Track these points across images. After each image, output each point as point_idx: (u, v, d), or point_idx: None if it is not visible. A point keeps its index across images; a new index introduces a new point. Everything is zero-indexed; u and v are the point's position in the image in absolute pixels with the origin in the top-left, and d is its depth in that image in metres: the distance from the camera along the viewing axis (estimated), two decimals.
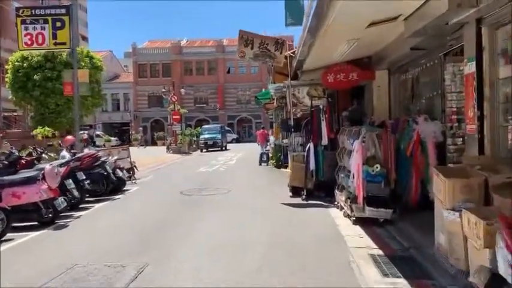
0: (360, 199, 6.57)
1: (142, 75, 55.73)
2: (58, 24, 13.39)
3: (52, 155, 10.84)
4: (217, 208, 8.29)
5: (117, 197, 10.07)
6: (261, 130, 25.11)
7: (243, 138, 52.59)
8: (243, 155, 25.70)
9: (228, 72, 55.43)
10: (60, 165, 7.96)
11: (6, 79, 25.36)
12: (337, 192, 7.98)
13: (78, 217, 7.74)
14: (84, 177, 8.63)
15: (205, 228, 6.58)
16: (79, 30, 75.26)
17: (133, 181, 12.58)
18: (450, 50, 6.53)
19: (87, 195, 9.48)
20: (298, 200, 8.65)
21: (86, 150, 12.29)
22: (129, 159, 12.84)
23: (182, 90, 32.32)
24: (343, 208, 7.38)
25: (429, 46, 6.58)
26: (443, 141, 6.52)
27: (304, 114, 10.29)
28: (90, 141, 29.27)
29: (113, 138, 49.68)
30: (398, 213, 6.61)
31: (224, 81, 54.56)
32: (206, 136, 32.86)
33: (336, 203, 7.99)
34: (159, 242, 5.85)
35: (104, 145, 47.20)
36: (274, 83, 10.55)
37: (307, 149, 8.75)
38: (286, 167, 15.51)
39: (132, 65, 58.18)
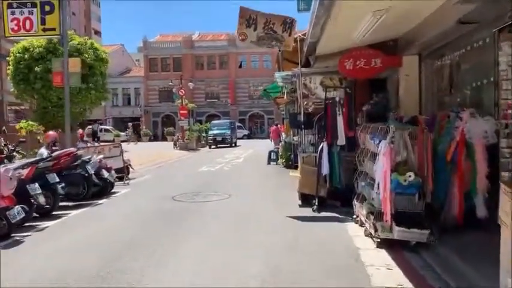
0: (387, 216, 5.12)
1: (153, 69, 54.75)
2: (47, 8, 12.11)
3: (24, 152, 9.59)
4: (208, 222, 6.78)
5: (100, 201, 8.78)
6: (274, 126, 24.15)
7: (255, 135, 51.22)
8: (252, 152, 24.32)
9: (240, 66, 54.07)
10: (23, 166, 6.71)
11: (8, 71, 24.49)
12: (356, 203, 6.53)
13: (42, 229, 6.46)
14: (57, 180, 7.36)
15: (181, 257, 5.02)
16: (92, 25, 74.81)
17: (126, 182, 11.31)
18: (507, 25, 5.01)
19: (65, 199, 8.26)
20: (308, 211, 7.22)
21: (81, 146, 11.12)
22: (121, 158, 11.57)
23: (190, 84, 31.03)
24: (364, 224, 5.94)
25: (482, 18, 5.05)
26: (496, 142, 5.02)
27: (316, 108, 8.84)
28: (91, 137, 28.38)
29: (122, 133, 48.96)
30: (436, 235, 5.14)
31: (236, 75, 53.22)
32: (215, 132, 31.58)
33: (354, 216, 6.54)
34: (115, 275, 4.47)
35: (114, 140, 47.00)
36: (283, 71, 9.10)
37: (319, 149, 7.30)
38: (296, 167, 14.09)
39: (143, 59, 57.26)
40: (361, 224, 6.18)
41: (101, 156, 9.90)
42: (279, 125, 23.21)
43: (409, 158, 5.22)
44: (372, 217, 5.62)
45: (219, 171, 14.14)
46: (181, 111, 28.34)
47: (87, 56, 24.65)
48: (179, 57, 54.25)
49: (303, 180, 7.62)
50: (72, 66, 12.61)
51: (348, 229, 6.18)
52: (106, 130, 48.74)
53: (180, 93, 28.44)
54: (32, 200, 6.54)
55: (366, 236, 5.75)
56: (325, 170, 7.19)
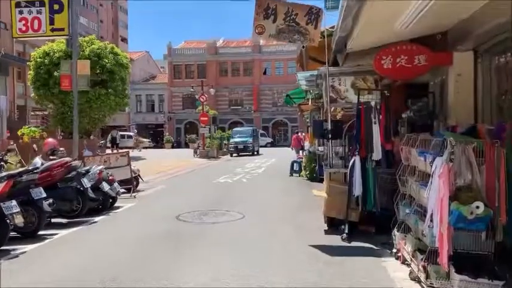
0: (444, 258, 3.81)
1: (177, 76, 54.55)
2: (56, 7, 11.39)
3: (13, 162, 8.73)
4: (212, 253, 5.53)
5: (97, 219, 7.77)
6: (295, 134, 23.88)
7: (278, 142, 49.99)
8: (274, 162, 23.09)
9: (265, 73, 53.18)
10: (0, 180, 5.74)
11: (29, 76, 24.30)
12: (396, 233, 5.21)
13: (15, 256, 5.44)
14: (43, 195, 6.37)
15: None
16: (119, 32, 75.85)
17: (133, 195, 10.32)
18: None
19: (58, 215, 7.30)
20: (336, 239, 5.94)
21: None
22: (129, 168, 10.60)
23: (211, 90, 30.18)
24: (409, 263, 4.62)
25: None
26: None
27: (346, 114, 7.58)
28: (110, 144, 27.80)
29: (145, 140, 48.77)
30: None
31: (260, 82, 52.33)
32: (237, 140, 30.54)
33: (394, 250, 5.22)
34: None
35: (138, 146, 46.82)
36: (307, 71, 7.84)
37: (350, 164, 6.03)
38: (322, 180, 12.78)
39: (167, 65, 57.24)
40: (404, 261, 4.86)
41: (101, 166, 8.91)
42: (299, 133, 22.68)
43: (474, 182, 3.90)
44: (420, 256, 4.31)
45: (237, 184, 12.99)
46: (202, 118, 27.46)
47: (107, 61, 24.21)
48: (203, 64, 53.90)
49: (330, 201, 6.34)
50: (81, 68, 11.82)
51: (386, 267, 4.87)
52: (129, 136, 48.73)
53: (201, 99, 27.59)
54: (8, 221, 5.55)
55: (412, 279, 4.44)
56: (357, 190, 5.91)
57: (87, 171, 8.09)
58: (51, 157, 8.61)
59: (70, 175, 7.47)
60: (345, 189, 6.13)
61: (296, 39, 6.25)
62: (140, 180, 11.62)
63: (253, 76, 52.75)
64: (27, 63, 23.88)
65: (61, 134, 25.22)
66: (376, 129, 5.86)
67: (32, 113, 35.42)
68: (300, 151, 23.34)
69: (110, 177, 8.84)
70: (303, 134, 22.48)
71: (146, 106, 56.69)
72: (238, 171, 17.23)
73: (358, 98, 6.07)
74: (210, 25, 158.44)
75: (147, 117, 55.97)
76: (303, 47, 7.16)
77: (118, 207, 8.83)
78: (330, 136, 6.48)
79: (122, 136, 48.37)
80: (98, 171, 8.33)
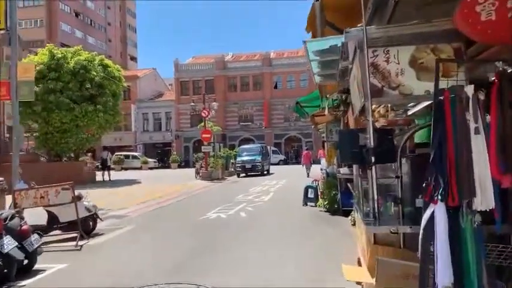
0: None
1: (184, 92, 52.09)
2: None
3: None
4: None
5: None
6: (306, 151, 25.10)
7: (292, 160, 46.68)
8: (285, 184, 19.84)
9: (275, 87, 50.38)
10: None
11: None
12: None
13: None
14: None
15: None
16: (128, 51, 75.04)
17: (79, 245, 7.24)
18: None
19: None
20: None
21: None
22: (74, 206, 7.52)
23: (214, 103, 27.26)
24: None
25: None
26: None
27: (393, 121, 4.41)
28: (101, 166, 24.79)
29: (150, 160, 46.08)
30: None
31: (270, 96, 49.49)
32: (244, 158, 27.38)
33: None
34: None
35: (141, 167, 44.13)
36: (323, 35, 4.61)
37: (425, 219, 2.81)
38: (345, 213, 9.53)
39: (174, 82, 55.01)
40: None
41: (12, 211, 5.89)
42: (309, 150, 22.48)
43: None
44: None
45: (231, 221, 9.74)
46: (204, 135, 24.47)
47: (95, 73, 21.68)
48: (211, 79, 51.50)
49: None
50: (22, 73, 8.96)
51: None
52: (134, 157, 46.13)
53: (203, 114, 24.68)
54: None
55: None
56: (443, 274, 2.70)
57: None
58: None
59: None
60: (414, 271, 2.93)
61: None
62: (98, 220, 8.56)
63: (264, 90, 50.02)
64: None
65: (45, 157, 22.67)
66: (480, 146, 2.69)
67: (25, 135, 33.15)
68: (311, 167, 23.44)
69: (23, 227, 5.77)
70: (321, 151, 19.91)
71: (153, 125, 54.31)
72: (239, 199, 14.02)
73: (437, 79, 2.89)
74: (219, 42, 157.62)
75: (154, 136, 53.56)
76: None
77: (38, 272, 5.74)
78: (372, 159, 3.31)
79: (127, 156, 45.93)
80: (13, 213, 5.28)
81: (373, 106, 3.91)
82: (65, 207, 7.61)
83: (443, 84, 2.96)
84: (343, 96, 9.91)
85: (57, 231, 7.99)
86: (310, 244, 7.02)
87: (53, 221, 7.83)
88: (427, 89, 3.49)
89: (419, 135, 4.43)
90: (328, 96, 9.84)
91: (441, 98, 2.84)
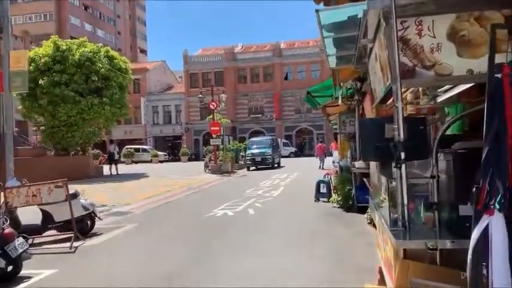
0: None
1: (193, 84, 51.42)
2: None
3: None
4: None
5: None
6: (319, 144, 25.36)
7: (303, 152, 45.94)
8: (296, 177, 19.20)
9: (286, 78, 49.47)
10: None
11: None
12: None
13: None
14: None
15: None
16: (138, 44, 74.72)
17: (73, 247, 6.74)
18: None
19: None
20: None
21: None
22: (68, 204, 7.01)
23: (223, 95, 26.62)
24: None
25: None
26: None
27: (421, 108, 3.72)
28: (108, 161, 24.41)
29: (160, 153, 45.72)
30: None
31: (281, 88, 48.59)
32: (254, 151, 26.75)
33: None
34: None
35: (151, 161, 43.86)
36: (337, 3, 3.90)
37: (476, 233, 2.17)
38: (360, 210, 8.86)
39: (183, 74, 54.46)
40: None
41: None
42: (323, 143, 22.41)
43: None
44: None
45: (238, 219, 9.14)
46: (213, 128, 23.90)
47: (100, 65, 21.20)
48: (221, 71, 50.79)
49: None
50: (14, 62, 8.43)
51: None
52: (144, 150, 45.85)
53: (211, 106, 24.08)
54: None
55: None
56: None
57: None
58: None
59: None
60: None
61: None
62: (97, 218, 8.06)
63: (274, 82, 49.13)
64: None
65: (52, 151, 22.35)
66: None
67: (34, 128, 33.03)
68: (325, 158, 23.90)
69: (5, 230, 5.25)
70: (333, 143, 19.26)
71: (163, 117, 53.91)
72: (249, 193, 13.44)
73: (493, 51, 2.22)
74: (228, 33, 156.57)
75: (164, 129, 53.20)
76: None
77: (24, 280, 5.23)
78: (402, 155, 2.66)
79: (137, 150, 45.64)
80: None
81: (403, 87, 3.23)
82: (59, 206, 7.11)
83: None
84: (358, 85, 9.26)
85: (53, 231, 7.50)
86: (323, 248, 6.38)
87: (47, 220, 7.34)
88: (469, 68, 2.81)
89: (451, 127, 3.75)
90: (341, 84, 9.14)
91: (498, 75, 2.16)
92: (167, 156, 46.91)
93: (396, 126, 2.79)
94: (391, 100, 4.00)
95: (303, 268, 5.40)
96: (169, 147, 51.54)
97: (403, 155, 2.73)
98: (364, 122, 3.39)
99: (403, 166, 2.75)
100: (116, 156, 24.79)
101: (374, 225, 7.42)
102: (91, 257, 6.43)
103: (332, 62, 4.77)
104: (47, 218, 7.32)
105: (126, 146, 45.67)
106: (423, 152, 2.83)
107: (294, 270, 5.28)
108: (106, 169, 24.05)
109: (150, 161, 43.39)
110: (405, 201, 2.78)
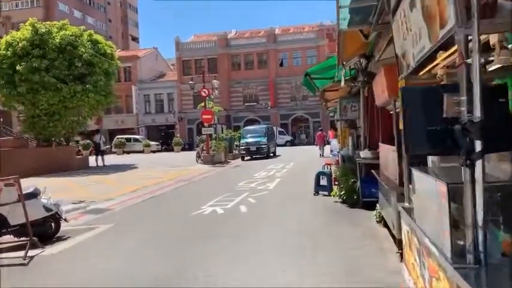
0: None
1: (186, 72, 49.94)
2: None
3: None
4: None
5: None
6: (319, 132, 24.98)
7: (299, 140, 44.91)
8: (293, 167, 18.14)
9: (281, 65, 48.17)
10: None
11: None
12: None
13: None
14: None
15: None
16: (129, 31, 72.80)
17: (26, 258, 5.63)
18: None
19: None
20: None
21: None
22: (22, 206, 5.89)
23: (215, 81, 25.31)
24: None
25: None
26: None
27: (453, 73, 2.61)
28: (94, 151, 23.15)
29: (153, 143, 44.42)
30: None
31: (276, 75, 47.31)
32: (248, 140, 25.66)
33: None
34: None
35: (143, 151, 42.56)
36: None
37: None
38: (367, 206, 7.81)
39: (175, 61, 52.89)
40: None
41: None
42: (322, 132, 23.62)
43: None
44: None
45: (228, 218, 8.05)
46: (204, 116, 22.70)
47: (83, 50, 19.82)
48: (214, 58, 49.33)
49: None
50: None
51: None
52: (135, 140, 44.54)
53: (203, 93, 22.85)
54: None
55: None
56: None
57: None
58: None
59: None
60: None
61: None
62: (62, 220, 6.94)
63: (269, 69, 47.82)
64: None
65: (34, 142, 21.10)
66: None
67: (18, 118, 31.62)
68: (324, 147, 23.69)
69: None
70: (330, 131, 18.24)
71: (155, 106, 52.48)
72: (242, 186, 12.36)
73: None
74: (222, 20, 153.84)
75: (157, 118, 51.85)
76: None
77: None
78: (478, 145, 1.58)
79: (128, 139, 44.28)
80: None
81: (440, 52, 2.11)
82: (15, 207, 5.99)
83: None
84: (364, 63, 8.11)
85: (9, 236, 6.38)
86: (326, 255, 5.32)
87: (1, 225, 6.21)
88: None
89: None
90: (344, 63, 8.02)
91: None
92: (160, 146, 45.63)
93: (464, 97, 1.68)
94: (427, 69, 2.88)
95: (301, 285, 4.32)
96: (162, 137, 50.24)
97: (478, 145, 1.63)
98: (409, 90, 2.24)
99: (479, 163, 1.65)
100: (102, 147, 23.56)
101: (385, 225, 6.37)
102: (47, 270, 5.31)
103: (344, 21, 3.63)
104: (1, 221, 6.19)
105: (117, 136, 44.40)
106: (508, 139, 1.73)
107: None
108: (92, 160, 22.84)
109: (142, 151, 42.14)
110: (480, 222, 1.69)
